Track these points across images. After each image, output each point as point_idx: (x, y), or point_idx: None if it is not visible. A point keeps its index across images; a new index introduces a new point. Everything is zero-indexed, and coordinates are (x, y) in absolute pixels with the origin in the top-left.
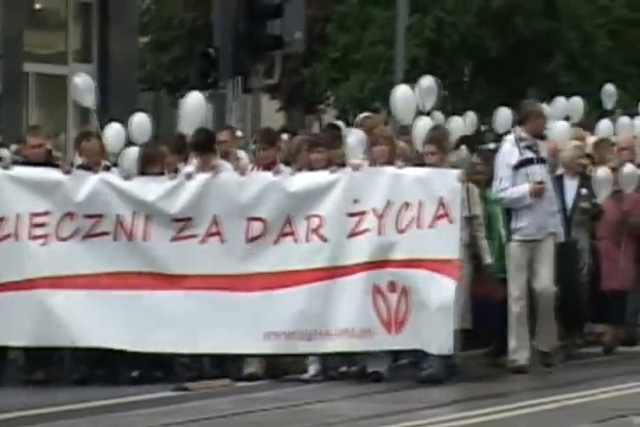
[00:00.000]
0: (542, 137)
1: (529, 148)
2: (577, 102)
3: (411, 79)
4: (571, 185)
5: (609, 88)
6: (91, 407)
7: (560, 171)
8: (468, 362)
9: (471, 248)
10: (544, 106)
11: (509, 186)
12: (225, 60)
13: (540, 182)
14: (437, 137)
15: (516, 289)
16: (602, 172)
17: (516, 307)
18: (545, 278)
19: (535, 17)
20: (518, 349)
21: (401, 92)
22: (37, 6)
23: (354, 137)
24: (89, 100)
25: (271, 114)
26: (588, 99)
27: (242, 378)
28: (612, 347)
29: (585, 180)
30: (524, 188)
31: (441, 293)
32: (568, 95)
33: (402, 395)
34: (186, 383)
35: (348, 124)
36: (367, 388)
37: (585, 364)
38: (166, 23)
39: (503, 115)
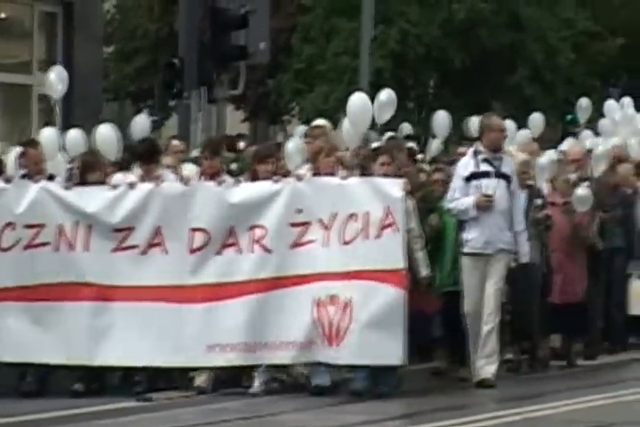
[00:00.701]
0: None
1: (487, 161)
2: (536, 117)
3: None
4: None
5: (584, 101)
6: (50, 418)
7: None
8: (412, 375)
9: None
10: (507, 121)
11: (460, 197)
12: (189, 71)
13: (488, 196)
14: (391, 148)
15: (468, 304)
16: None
17: (469, 320)
18: (492, 303)
19: (499, 29)
20: (480, 364)
21: (357, 100)
22: (2, 15)
23: (292, 146)
24: (58, 90)
25: (236, 124)
26: (551, 111)
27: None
28: (573, 361)
29: (535, 192)
30: (470, 200)
31: (389, 303)
32: (532, 108)
33: (355, 408)
34: (149, 394)
35: None
36: (321, 401)
37: (547, 377)
38: (131, 33)
39: (474, 124)
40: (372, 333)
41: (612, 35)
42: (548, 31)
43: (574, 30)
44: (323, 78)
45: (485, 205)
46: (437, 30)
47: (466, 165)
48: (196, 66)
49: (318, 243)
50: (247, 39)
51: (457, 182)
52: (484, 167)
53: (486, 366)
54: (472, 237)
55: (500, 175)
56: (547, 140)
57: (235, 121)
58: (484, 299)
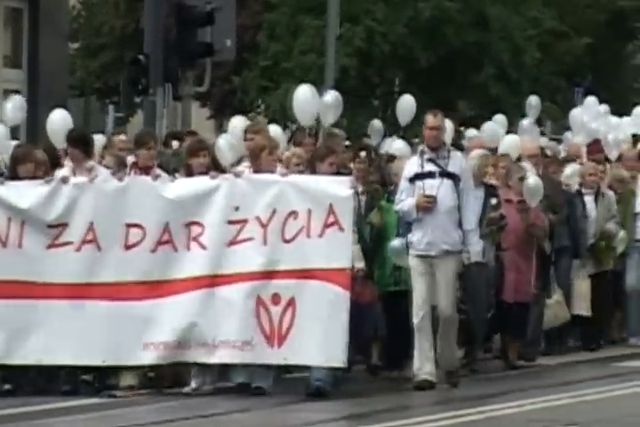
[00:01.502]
0: (460, 148)
1: (431, 161)
2: (500, 118)
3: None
4: (476, 195)
5: (533, 99)
6: (8, 415)
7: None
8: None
9: None
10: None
11: (405, 198)
12: (155, 67)
13: (429, 197)
14: (333, 145)
15: (415, 302)
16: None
17: (415, 319)
18: (443, 304)
19: (465, 28)
20: (420, 363)
21: (301, 94)
22: None
23: (223, 142)
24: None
25: (201, 121)
26: (516, 110)
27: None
28: (514, 362)
29: (492, 190)
30: (411, 201)
31: (333, 303)
32: (497, 107)
33: (297, 407)
34: (114, 391)
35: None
36: (263, 401)
37: (488, 378)
38: (96, 30)
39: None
40: (314, 333)
41: (577, 34)
42: (513, 30)
43: (540, 29)
44: (288, 76)
45: (425, 206)
46: (403, 28)
47: (412, 165)
48: (162, 62)
49: (256, 241)
50: (213, 36)
51: (403, 184)
52: (429, 167)
53: (426, 367)
54: (416, 239)
55: (445, 175)
56: None
57: (200, 118)
58: (438, 305)
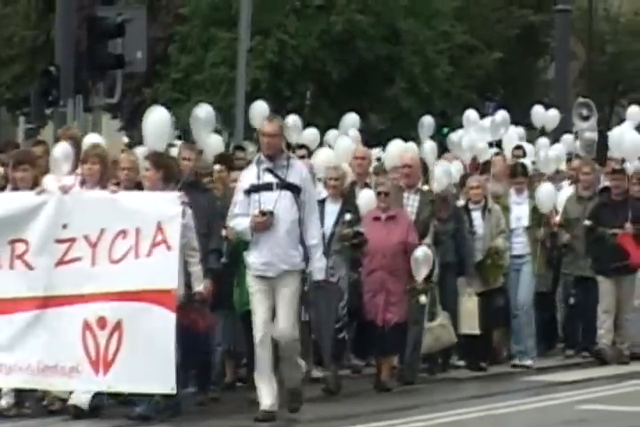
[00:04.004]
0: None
1: (269, 171)
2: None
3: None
4: (332, 209)
5: (426, 120)
6: None
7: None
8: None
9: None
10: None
11: (240, 213)
12: (66, 79)
13: (264, 213)
14: (152, 155)
15: (255, 325)
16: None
17: (256, 342)
18: (281, 326)
19: (377, 41)
20: (262, 393)
21: (154, 118)
22: None
23: (59, 151)
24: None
25: (112, 133)
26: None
27: None
28: (387, 384)
29: (350, 204)
30: (246, 221)
31: (160, 326)
32: (409, 120)
33: None
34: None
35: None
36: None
37: (415, 390)
38: (7, 41)
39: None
40: (142, 358)
41: (488, 49)
42: (425, 44)
43: (451, 43)
44: (200, 88)
45: (261, 224)
46: (315, 42)
47: (248, 175)
48: (73, 74)
49: (85, 261)
50: (124, 48)
51: (238, 195)
52: (267, 178)
53: (266, 400)
54: (252, 259)
55: (284, 186)
56: None
57: (110, 130)
58: (276, 327)
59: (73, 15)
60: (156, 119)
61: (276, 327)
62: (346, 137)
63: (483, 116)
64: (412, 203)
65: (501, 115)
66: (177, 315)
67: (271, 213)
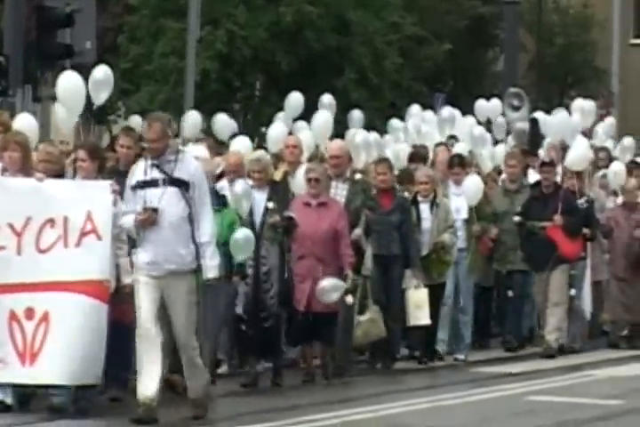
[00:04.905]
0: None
1: (157, 166)
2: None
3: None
4: (260, 199)
5: (356, 114)
6: None
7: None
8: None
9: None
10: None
11: (129, 211)
12: (15, 69)
13: (147, 210)
14: (89, 146)
15: (137, 320)
16: None
17: (137, 343)
18: (176, 330)
19: (326, 32)
20: (138, 386)
21: (66, 80)
22: None
23: None
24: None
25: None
26: (377, 115)
27: None
28: (312, 374)
29: (277, 190)
30: (131, 219)
31: (89, 317)
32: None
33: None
34: None
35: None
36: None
37: (365, 381)
38: None
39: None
40: (70, 349)
41: (438, 40)
42: (374, 35)
43: (401, 35)
44: (149, 78)
45: (144, 222)
46: (264, 32)
47: (136, 171)
48: (22, 64)
49: (10, 250)
50: (73, 38)
51: (127, 193)
52: (153, 174)
53: (148, 388)
54: (138, 258)
55: (171, 182)
56: None
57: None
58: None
59: (22, 5)
60: (70, 84)
61: (176, 337)
62: (281, 124)
63: (431, 107)
64: (340, 192)
65: (448, 111)
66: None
67: (154, 209)
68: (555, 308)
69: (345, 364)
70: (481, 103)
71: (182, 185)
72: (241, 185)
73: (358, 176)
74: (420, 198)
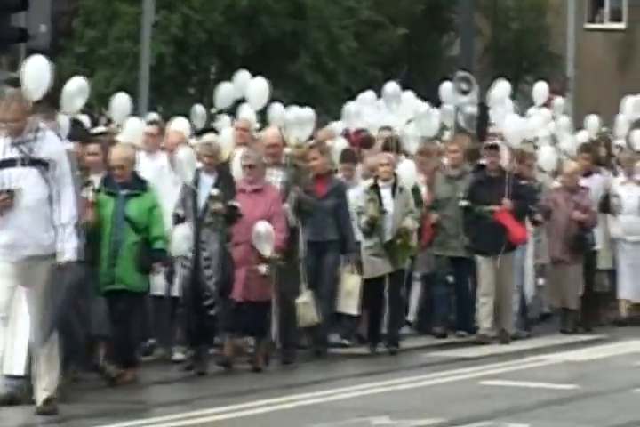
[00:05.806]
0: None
1: (16, 145)
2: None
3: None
4: (207, 182)
5: (199, 109)
6: None
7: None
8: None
9: None
10: None
11: None
12: None
13: (1, 192)
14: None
15: None
16: None
17: None
18: (30, 329)
19: (282, 17)
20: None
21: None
22: None
23: None
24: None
25: None
26: (333, 100)
27: None
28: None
29: (225, 177)
30: None
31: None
32: (313, 95)
33: None
34: None
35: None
36: None
37: (298, 367)
38: None
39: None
40: None
41: (393, 25)
42: (329, 20)
43: (356, 19)
44: (104, 63)
45: (1, 204)
46: (220, 17)
47: None
48: None
49: None
50: (27, 21)
51: None
52: (12, 153)
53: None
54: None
55: (30, 162)
56: None
57: None
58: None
59: None
60: (35, 67)
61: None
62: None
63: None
64: (275, 179)
65: (392, 86)
66: None
67: (9, 191)
68: (494, 294)
69: (291, 350)
70: (446, 86)
71: (41, 165)
72: (184, 152)
73: (288, 151)
74: (381, 184)
